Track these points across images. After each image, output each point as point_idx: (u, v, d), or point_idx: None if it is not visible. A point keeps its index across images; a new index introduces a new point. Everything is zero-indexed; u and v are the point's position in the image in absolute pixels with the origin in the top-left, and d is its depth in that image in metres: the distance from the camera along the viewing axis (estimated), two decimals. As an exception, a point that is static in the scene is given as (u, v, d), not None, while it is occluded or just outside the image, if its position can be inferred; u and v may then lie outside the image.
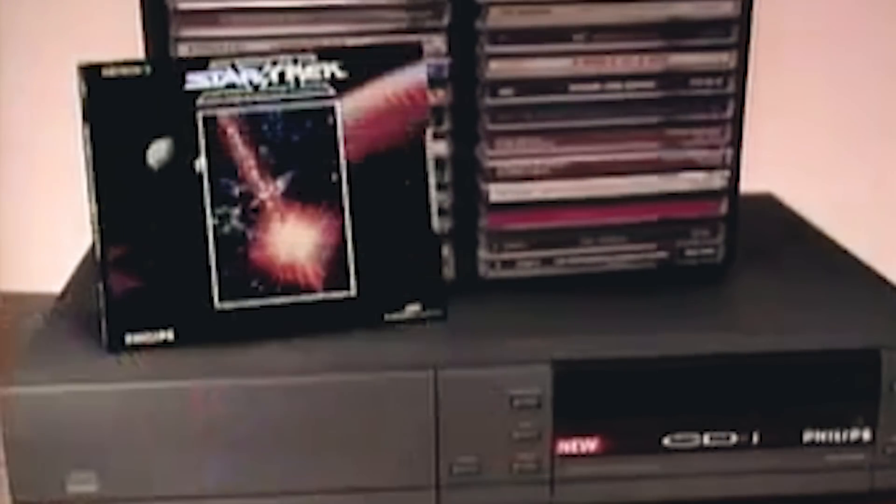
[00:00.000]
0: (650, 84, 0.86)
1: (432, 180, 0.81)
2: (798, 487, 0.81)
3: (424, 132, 0.81)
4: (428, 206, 0.82)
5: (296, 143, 0.80)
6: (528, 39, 0.84)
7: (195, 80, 0.79)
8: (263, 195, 0.80)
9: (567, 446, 0.79)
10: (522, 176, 0.86)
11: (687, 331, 0.81)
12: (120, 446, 0.77)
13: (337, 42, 0.82)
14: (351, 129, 0.80)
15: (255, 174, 0.80)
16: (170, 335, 0.79)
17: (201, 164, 0.79)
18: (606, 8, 0.84)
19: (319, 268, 0.81)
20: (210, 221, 0.79)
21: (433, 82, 0.83)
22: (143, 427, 0.77)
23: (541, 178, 0.86)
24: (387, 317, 0.82)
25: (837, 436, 0.80)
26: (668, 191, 0.88)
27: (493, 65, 0.84)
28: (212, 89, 0.79)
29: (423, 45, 0.81)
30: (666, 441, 0.79)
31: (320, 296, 0.81)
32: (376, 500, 0.79)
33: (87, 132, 0.78)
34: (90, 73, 0.78)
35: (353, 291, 0.81)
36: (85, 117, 0.78)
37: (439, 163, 0.84)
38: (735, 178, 0.88)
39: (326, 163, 0.80)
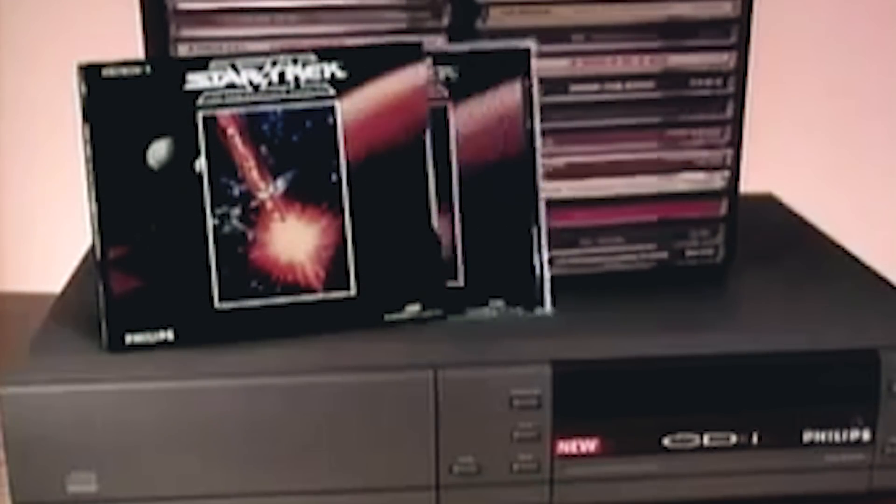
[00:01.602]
0: (650, 84, 0.86)
1: (432, 180, 0.81)
2: (798, 487, 0.81)
3: (424, 132, 0.81)
4: (428, 206, 0.82)
5: (296, 143, 0.80)
6: (528, 39, 0.84)
7: (195, 80, 0.79)
8: (263, 195, 0.80)
9: (567, 446, 0.79)
10: (522, 176, 0.86)
11: (687, 331, 0.81)
12: (120, 446, 0.77)
13: (337, 42, 0.82)
14: (351, 129, 0.80)
15: (255, 174, 0.80)
16: (170, 335, 0.79)
17: (201, 164, 0.79)
18: (606, 8, 0.84)
19: (319, 268, 0.81)
20: (210, 221, 0.79)
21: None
22: (143, 427, 0.77)
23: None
24: (387, 317, 0.82)
25: (837, 436, 0.80)
26: (667, 191, 0.88)
27: (494, 65, 0.84)
28: (212, 89, 0.79)
29: (423, 45, 0.81)
30: (666, 441, 0.79)
31: (320, 296, 0.81)
32: (376, 500, 0.79)
33: (87, 132, 0.78)
34: (90, 73, 0.78)
35: (353, 291, 0.81)
36: (85, 117, 0.78)
37: (439, 163, 0.84)
38: (735, 178, 0.88)
39: (326, 163, 0.80)
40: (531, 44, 0.82)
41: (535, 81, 0.82)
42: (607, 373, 0.79)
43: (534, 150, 0.83)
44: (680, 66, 0.86)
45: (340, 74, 0.80)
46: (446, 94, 0.82)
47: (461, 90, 0.82)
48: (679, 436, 0.79)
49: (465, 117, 0.82)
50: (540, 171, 0.83)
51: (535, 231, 0.83)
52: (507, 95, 0.82)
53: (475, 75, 0.82)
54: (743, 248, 0.90)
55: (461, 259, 0.83)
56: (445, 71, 0.81)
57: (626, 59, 0.85)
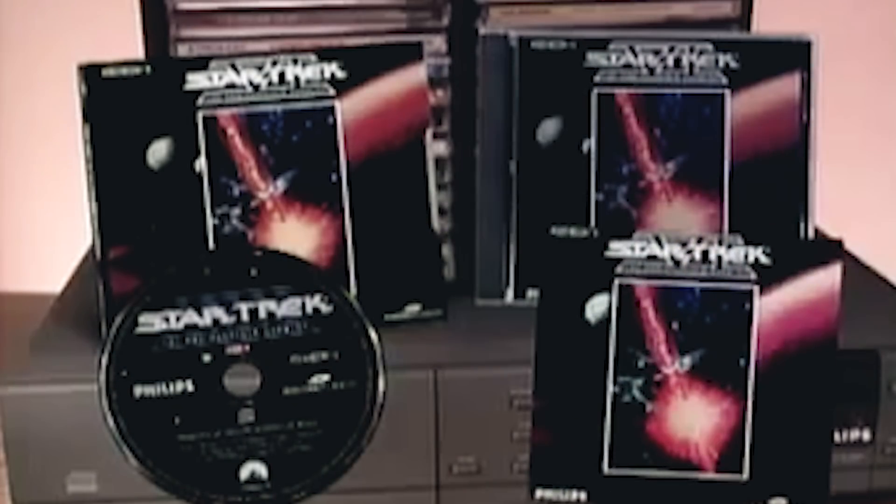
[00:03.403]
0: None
1: (432, 180, 0.82)
2: (798, 488, 0.81)
3: (424, 132, 0.81)
4: (428, 206, 0.82)
5: (296, 143, 0.80)
6: (529, 39, 0.84)
7: (195, 80, 0.79)
8: (263, 195, 0.80)
9: (567, 446, 0.79)
10: (523, 176, 0.86)
11: (687, 331, 0.81)
12: (120, 446, 0.77)
13: (337, 42, 0.82)
14: (351, 129, 0.80)
15: (255, 174, 0.80)
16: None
17: (201, 164, 0.79)
18: (606, 8, 0.84)
19: (319, 268, 0.81)
20: (210, 221, 0.79)
21: (433, 82, 0.83)
22: (143, 427, 0.77)
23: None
24: (387, 317, 0.82)
25: (837, 436, 0.80)
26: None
27: (494, 65, 0.84)
28: (212, 89, 0.79)
29: (423, 45, 0.81)
30: (666, 441, 0.79)
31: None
32: (376, 500, 0.79)
33: (87, 132, 0.78)
34: (90, 73, 0.78)
35: (353, 291, 0.81)
36: (85, 117, 0.78)
37: (439, 163, 0.84)
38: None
39: (326, 163, 0.80)
40: (813, 37, 0.82)
41: (815, 75, 0.82)
42: (607, 373, 0.79)
43: (808, 143, 0.83)
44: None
45: (340, 74, 0.80)
46: (724, 81, 0.82)
47: (740, 79, 0.82)
48: (679, 436, 0.79)
49: (741, 106, 0.82)
50: (813, 164, 0.83)
51: (802, 223, 0.83)
52: (786, 87, 0.82)
53: (755, 65, 0.82)
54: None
55: None
56: (725, 59, 0.81)
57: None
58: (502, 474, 0.79)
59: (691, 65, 0.81)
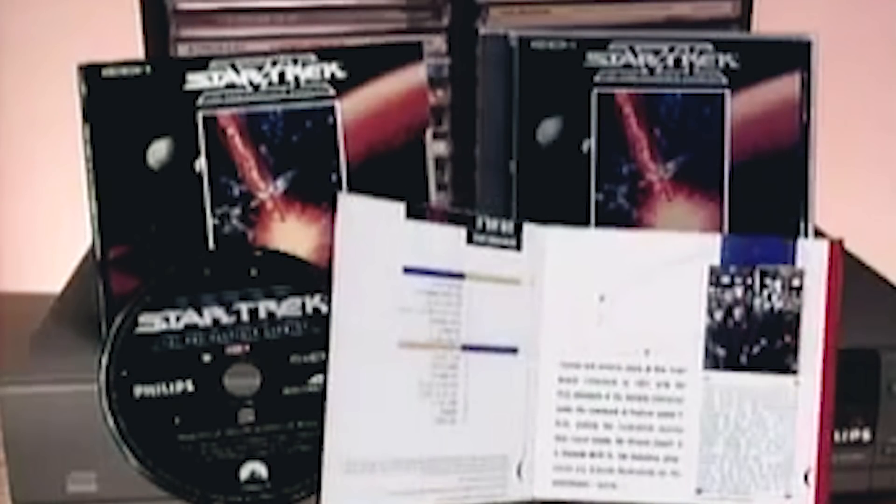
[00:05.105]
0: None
1: (432, 180, 0.81)
2: (798, 488, 0.81)
3: (424, 132, 0.81)
4: (428, 206, 0.82)
5: (296, 143, 0.80)
6: (529, 39, 0.84)
7: (195, 80, 0.79)
8: (263, 195, 0.80)
9: (567, 446, 0.79)
10: (523, 176, 0.86)
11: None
12: (120, 446, 0.77)
13: (337, 42, 0.82)
14: (351, 129, 0.80)
15: (255, 174, 0.80)
16: (170, 335, 0.79)
17: (201, 164, 0.79)
18: (606, 8, 0.84)
19: (319, 268, 0.81)
20: (210, 221, 0.79)
21: (433, 82, 0.83)
22: (143, 427, 0.77)
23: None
24: (387, 317, 0.82)
25: (836, 436, 0.80)
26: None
27: (494, 65, 0.84)
28: (212, 89, 0.79)
29: (423, 45, 0.81)
30: (666, 441, 0.79)
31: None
32: (376, 500, 0.79)
33: (87, 132, 0.78)
34: (90, 73, 0.78)
35: (352, 291, 0.81)
36: (85, 117, 0.78)
37: (439, 163, 0.84)
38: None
39: (326, 163, 0.80)
40: (813, 37, 0.83)
41: (815, 75, 0.83)
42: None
43: (808, 143, 0.83)
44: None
45: (340, 74, 0.80)
46: (724, 81, 0.82)
47: (740, 79, 0.82)
48: (679, 436, 0.79)
49: (741, 106, 0.82)
50: (813, 164, 0.83)
51: (801, 223, 0.84)
52: (786, 87, 0.82)
53: (755, 65, 0.82)
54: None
55: None
56: (725, 59, 0.81)
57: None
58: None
59: (691, 65, 0.81)
